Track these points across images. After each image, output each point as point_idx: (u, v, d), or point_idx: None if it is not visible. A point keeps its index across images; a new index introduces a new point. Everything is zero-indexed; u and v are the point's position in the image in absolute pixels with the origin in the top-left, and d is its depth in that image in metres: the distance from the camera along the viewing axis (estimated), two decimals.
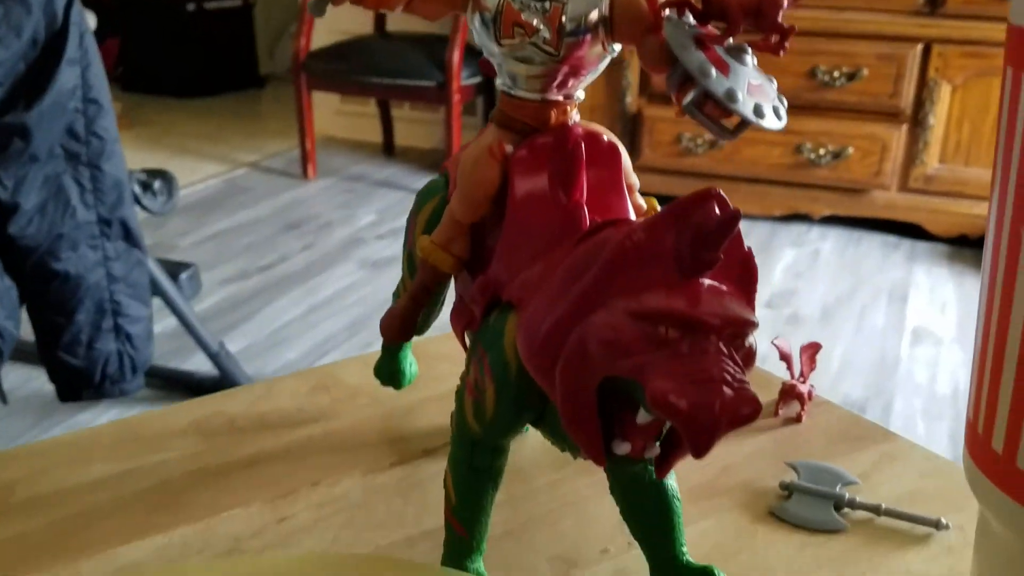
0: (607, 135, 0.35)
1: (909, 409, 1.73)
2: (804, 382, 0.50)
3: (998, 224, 0.27)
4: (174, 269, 2.07)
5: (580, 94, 0.35)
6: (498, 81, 0.35)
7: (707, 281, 0.28)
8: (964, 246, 2.46)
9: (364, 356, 0.54)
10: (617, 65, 2.59)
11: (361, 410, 0.50)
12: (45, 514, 0.41)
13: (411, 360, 0.47)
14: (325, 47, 2.95)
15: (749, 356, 0.28)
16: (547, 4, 0.32)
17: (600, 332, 0.27)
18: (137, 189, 2.08)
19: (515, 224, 0.34)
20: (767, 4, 0.29)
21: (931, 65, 2.38)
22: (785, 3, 0.30)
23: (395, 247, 2.45)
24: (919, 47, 2.37)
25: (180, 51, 4.08)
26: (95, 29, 1.49)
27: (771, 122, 0.29)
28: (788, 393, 0.50)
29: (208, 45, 4.12)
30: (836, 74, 2.44)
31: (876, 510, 0.41)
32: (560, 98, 0.34)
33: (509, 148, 0.35)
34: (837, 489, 0.42)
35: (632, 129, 2.66)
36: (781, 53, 0.29)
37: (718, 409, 0.25)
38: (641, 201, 0.36)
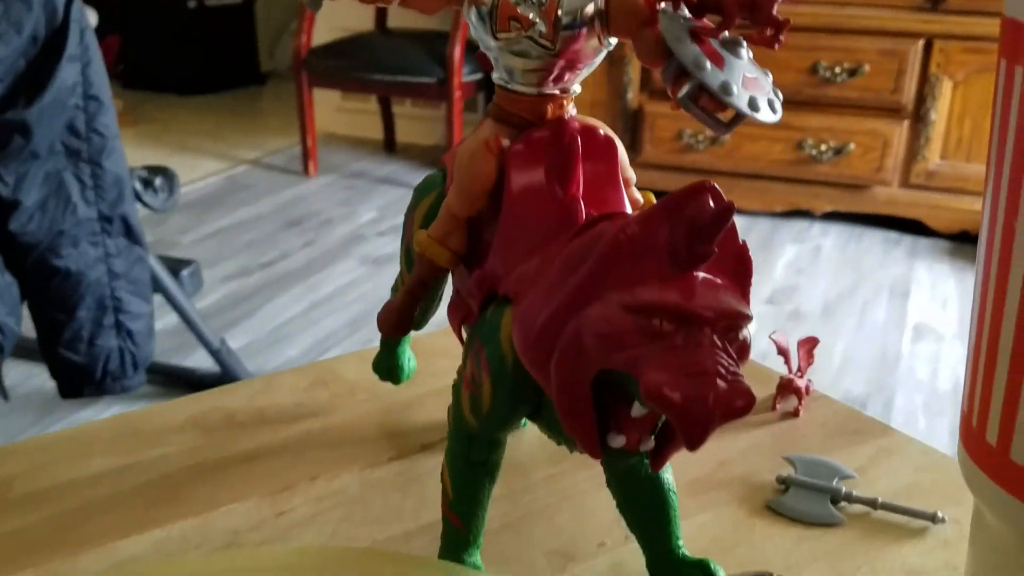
0: (603, 129, 0.35)
1: (910, 405, 1.73)
2: (802, 376, 0.50)
3: (992, 217, 0.27)
4: (175, 266, 2.07)
5: (576, 88, 0.35)
6: (495, 75, 0.35)
7: (701, 274, 0.28)
8: (965, 242, 2.45)
9: (362, 351, 0.54)
10: (618, 61, 2.58)
11: (359, 405, 0.50)
12: (44, 508, 0.42)
13: (409, 355, 0.47)
14: (326, 44, 2.95)
15: (743, 349, 0.28)
16: None
17: (595, 325, 0.28)
18: (138, 186, 2.08)
19: (512, 218, 0.34)
20: None
21: (933, 61, 2.37)
22: None
23: (396, 244, 2.45)
24: (921, 43, 2.37)
25: (181, 48, 4.07)
26: (96, 26, 1.49)
27: (766, 115, 0.29)
28: (785, 387, 0.50)
29: (209, 42, 4.12)
30: (837, 70, 2.44)
31: (873, 504, 0.41)
32: (556, 92, 0.35)
33: (506, 142, 0.35)
34: (834, 483, 0.42)
35: (633, 125, 2.66)
36: (776, 46, 0.29)
37: (712, 402, 0.25)
38: (638, 195, 0.36)
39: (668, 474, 0.36)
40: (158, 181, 2.16)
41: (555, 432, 0.34)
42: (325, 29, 3.23)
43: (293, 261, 2.38)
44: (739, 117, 0.29)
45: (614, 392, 0.29)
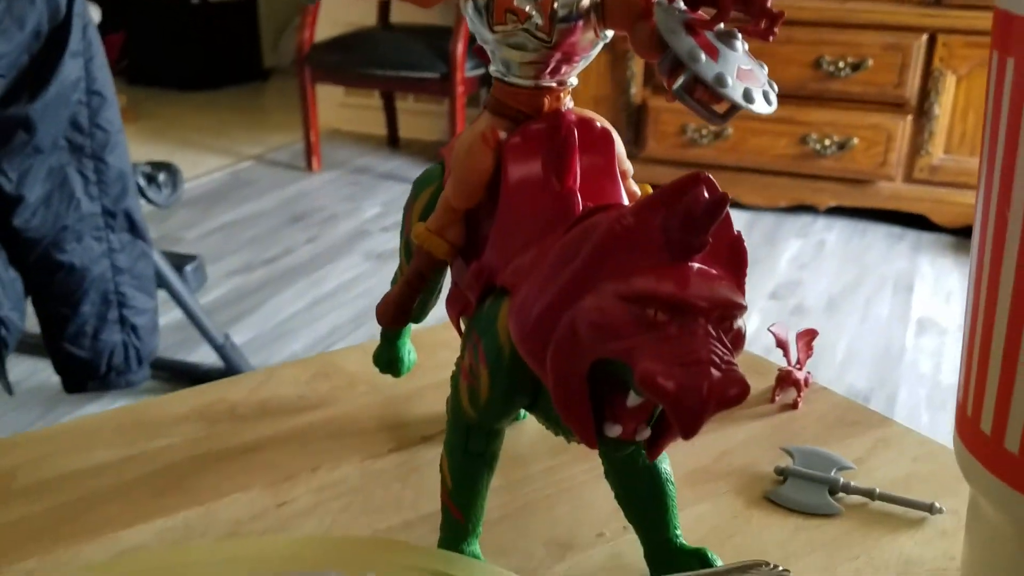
0: (600, 121, 0.35)
1: (913, 399, 1.73)
2: (801, 368, 0.50)
3: (984, 208, 0.27)
4: (179, 261, 2.08)
5: (573, 80, 0.35)
6: (492, 68, 0.35)
7: (696, 264, 0.28)
8: (969, 237, 2.45)
9: (363, 345, 0.54)
10: (621, 56, 2.58)
11: (360, 397, 0.51)
12: (48, 498, 0.42)
13: (410, 348, 0.48)
14: (329, 39, 2.95)
15: (738, 338, 0.28)
16: None
17: (590, 315, 0.28)
18: (142, 182, 2.09)
19: (509, 210, 0.35)
20: None
21: (936, 55, 2.37)
22: None
23: (399, 239, 2.45)
24: (924, 37, 2.36)
25: (184, 44, 4.08)
26: (99, 22, 1.49)
27: (761, 106, 0.29)
28: (785, 379, 0.50)
29: (212, 38, 4.13)
30: (841, 64, 2.43)
31: (870, 494, 0.41)
32: (553, 84, 0.35)
33: (503, 135, 0.35)
34: (832, 474, 0.43)
35: (637, 120, 2.66)
36: (770, 38, 0.30)
37: (706, 391, 0.26)
38: (635, 187, 0.36)
39: (665, 464, 0.36)
40: (162, 177, 2.16)
41: (552, 422, 0.34)
42: (328, 24, 3.23)
43: (297, 257, 2.38)
44: (734, 108, 0.29)
45: (610, 382, 0.29)
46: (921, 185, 2.48)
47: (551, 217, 0.33)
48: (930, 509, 0.41)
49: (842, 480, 0.42)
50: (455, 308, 0.38)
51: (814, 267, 2.30)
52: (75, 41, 1.21)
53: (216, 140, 3.41)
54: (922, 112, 2.42)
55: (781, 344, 0.51)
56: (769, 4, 0.29)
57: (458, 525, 0.36)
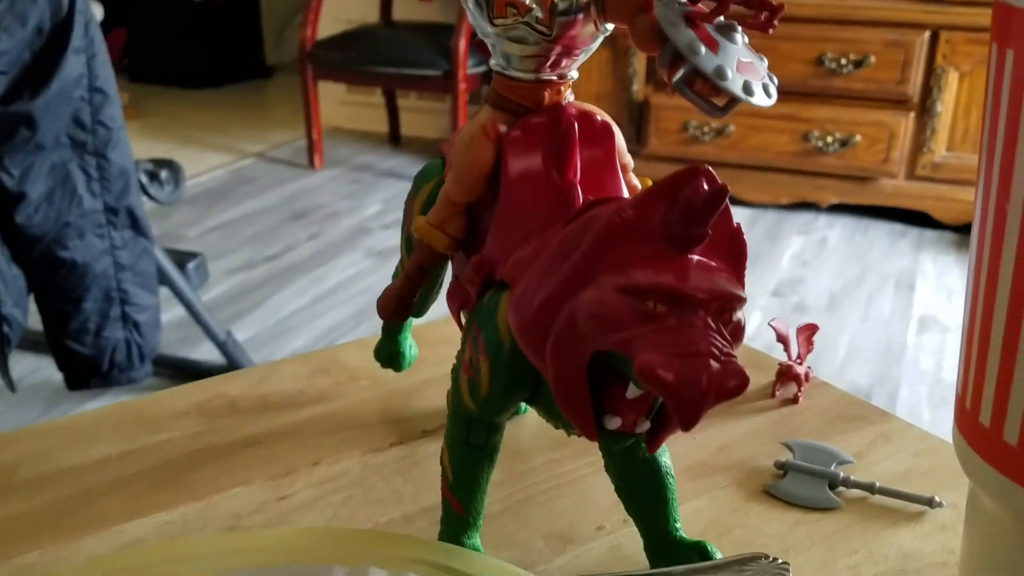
0: (600, 115, 0.35)
1: (915, 396, 1.73)
2: (801, 363, 0.50)
3: (984, 201, 0.27)
4: (181, 258, 2.08)
5: (574, 74, 0.35)
6: (492, 61, 0.35)
7: (695, 256, 0.28)
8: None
9: (364, 340, 0.54)
10: (623, 53, 2.58)
11: (361, 392, 0.51)
12: (49, 492, 0.42)
13: (411, 343, 0.48)
14: (331, 37, 2.95)
15: (737, 330, 0.28)
16: None
17: (590, 307, 0.28)
18: (144, 179, 2.09)
19: (509, 203, 0.35)
20: None
21: (938, 52, 2.36)
22: None
23: (400, 235, 2.45)
24: (926, 34, 2.36)
25: (187, 42, 4.08)
26: (102, 20, 1.50)
27: (760, 99, 0.29)
28: (785, 374, 0.50)
29: (214, 36, 4.13)
30: (843, 61, 2.43)
31: (870, 488, 0.42)
32: (554, 78, 0.35)
33: (503, 128, 0.35)
34: (832, 468, 0.43)
35: (639, 117, 2.66)
36: (770, 31, 0.30)
37: (705, 382, 0.26)
38: (635, 181, 0.36)
39: (665, 457, 0.36)
40: (164, 174, 2.16)
41: (552, 415, 0.34)
42: (330, 21, 3.23)
43: (298, 254, 2.39)
44: (734, 101, 0.29)
45: (610, 374, 0.29)
46: (923, 182, 2.48)
47: (551, 210, 0.33)
48: (930, 503, 0.41)
49: (842, 474, 0.42)
50: (456, 301, 0.39)
51: (816, 264, 2.30)
52: (77, 38, 1.21)
53: (218, 137, 3.42)
54: (924, 109, 2.42)
55: (781, 339, 0.51)
56: None
57: (459, 518, 0.36)
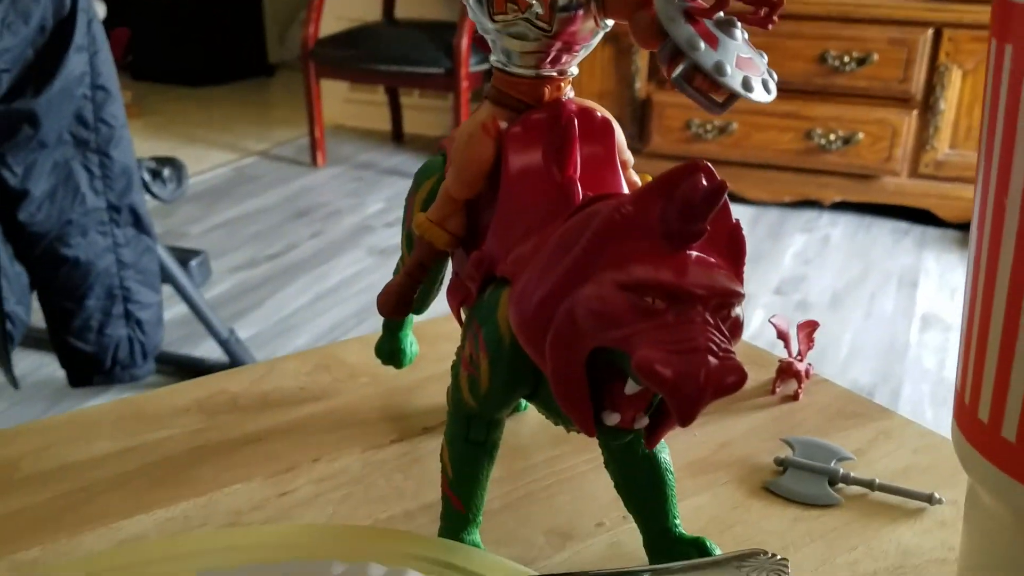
0: (600, 111, 0.35)
1: (917, 395, 1.73)
2: (802, 360, 0.50)
3: (983, 196, 0.27)
4: (184, 256, 2.08)
5: (574, 70, 0.35)
6: (492, 58, 0.35)
7: (694, 252, 0.28)
8: None
9: (365, 337, 0.54)
10: (626, 51, 2.58)
11: (361, 389, 0.51)
12: (50, 488, 0.42)
13: (412, 340, 0.48)
14: (333, 34, 2.95)
15: (736, 326, 0.28)
16: None
17: (589, 303, 0.28)
18: (147, 177, 2.10)
19: (509, 200, 0.35)
20: None
21: (942, 49, 2.36)
22: None
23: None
24: (930, 31, 2.36)
25: (189, 40, 4.08)
26: (105, 18, 1.50)
27: (760, 95, 0.29)
28: (785, 371, 0.50)
29: (217, 34, 4.13)
30: (846, 59, 2.43)
31: (870, 485, 0.41)
32: (554, 74, 0.35)
33: (503, 124, 0.35)
34: (832, 464, 0.43)
35: (642, 115, 2.65)
36: (769, 26, 0.30)
37: (703, 378, 0.26)
38: (635, 177, 0.36)
39: (665, 453, 0.36)
40: (166, 172, 2.17)
41: (552, 412, 0.34)
42: (333, 19, 3.23)
43: (301, 252, 2.39)
44: (733, 97, 0.29)
45: (609, 370, 0.29)
46: (926, 180, 2.47)
47: (551, 206, 0.33)
48: (929, 500, 0.41)
49: (842, 471, 0.42)
50: (456, 298, 0.39)
51: (819, 262, 2.30)
52: (80, 36, 1.22)
53: (221, 135, 3.42)
54: (928, 107, 2.41)
55: (782, 336, 0.51)
56: None
57: (458, 515, 0.36)
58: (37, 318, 1.43)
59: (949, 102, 2.39)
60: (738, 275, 0.29)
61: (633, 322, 0.27)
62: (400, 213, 2.83)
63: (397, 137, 3.39)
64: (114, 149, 1.30)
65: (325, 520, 0.40)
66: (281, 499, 0.42)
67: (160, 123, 3.56)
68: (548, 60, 0.34)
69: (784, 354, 0.52)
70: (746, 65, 0.30)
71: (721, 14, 0.30)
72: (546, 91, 0.35)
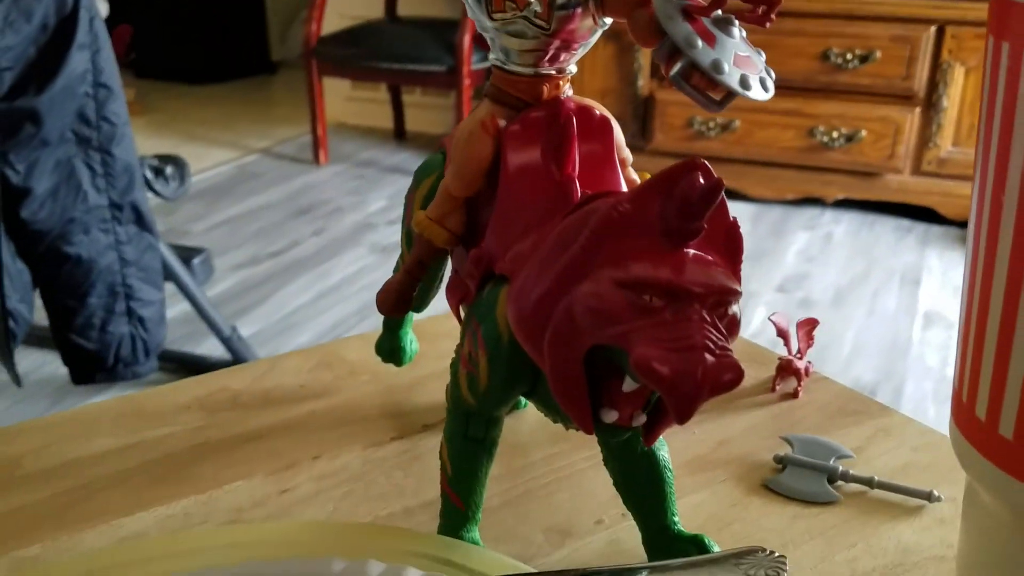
0: (599, 109, 0.35)
1: (920, 392, 1.73)
2: (801, 358, 0.50)
3: (980, 193, 0.27)
4: (186, 254, 2.09)
5: (573, 68, 0.35)
6: (491, 56, 0.35)
7: (692, 250, 0.28)
8: None
9: (365, 335, 0.54)
10: (628, 48, 2.58)
11: (362, 386, 0.51)
12: (51, 486, 0.42)
13: (412, 338, 0.48)
14: (336, 32, 2.95)
15: (733, 324, 0.28)
16: None
17: (587, 301, 0.28)
18: (149, 175, 2.10)
19: (508, 198, 0.35)
20: None
21: (945, 47, 2.36)
22: None
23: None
24: (932, 29, 2.35)
25: (192, 38, 4.09)
26: (107, 15, 1.50)
27: (757, 93, 0.29)
28: (785, 369, 0.50)
29: (219, 32, 4.13)
30: (849, 56, 2.43)
31: (869, 482, 0.42)
32: (553, 72, 0.35)
33: (502, 122, 0.35)
34: (831, 462, 0.43)
35: (644, 113, 2.65)
36: (767, 24, 0.30)
37: (700, 375, 0.26)
38: (634, 175, 0.36)
39: (664, 451, 0.36)
40: (169, 170, 2.17)
41: (551, 409, 0.34)
42: (335, 17, 3.23)
43: (303, 249, 2.39)
44: (731, 95, 0.29)
45: (607, 367, 0.29)
46: (929, 178, 2.47)
47: (550, 204, 0.33)
48: (928, 497, 0.41)
49: (841, 468, 0.42)
50: (455, 296, 0.39)
51: (821, 260, 2.30)
52: (82, 34, 1.22)
53: (223, 133, 3.42)
54: (930, 104, 2.41)
55: (781, 333, 0.51)
56: None
57: (457, 512, 0.37)
58: (40, 316, 1.43)
59: (952, 99, 2.38)
60: (735, 273, 0.29)
61: (631, 320, 0.27)
62: (401, 211, 2.85)
63: (399, 135, 3.39)
64: (116, 147, 1.30)
65: (326, 517, 0.40)
66: (282, 496, 0.42)
67: (162, 121, 3.57)
68: (547, 58, 0.34)
69: (784, 352, 0.52)
70: (744, 63, 0.30)
71: (719, 12, 0.30)
72: (545, 89, 0.35)
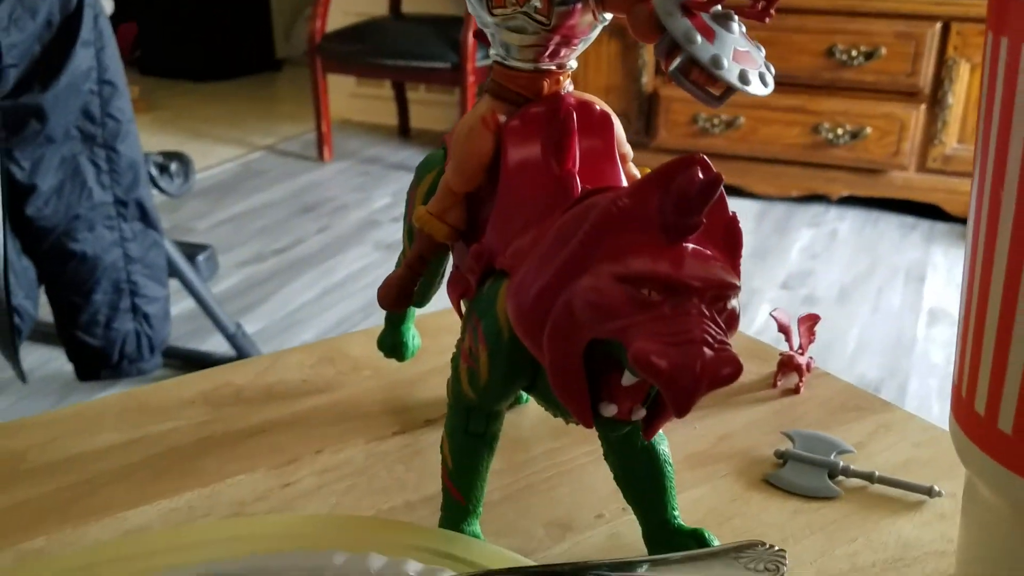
0: (599, 104, 0.35)
1: (924, 389, 1.73)
2: (803, 353, 0.50)
3: (979, 188, 0.27)
4: (191, 251, 2.09)
5: (573, 63, 0.35)
6: (491, 51, 0.35)
7: (691, 245, 0.28)
8: None
9: (368, 330, 0.54)
10: (632, 45, 2.57)
11: (364, 381, 0.51)
12: (55, 480, 0.43)
13: (414, 333, 0.48)
14: (340, 29, 2.95)
15: (732, 319, 0.28)
16: None
17: (586, 295, 0.28)
18: (154, 171, 2.10)
19: (508, 193, 0.35)
20: None
21: (950, 43, 2.35)
22: None
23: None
24: (938, 25, 2.35)
25: (196, 35, 4.09)
26: (112, 13, 1.50)
27: (757, 88, 0.29)
28: (787, 364, 0.50)
29: (224, 29, 4.14)
30: (854, 53, 2.42)
31: (870, 478, 0.42)
32: (553, 68, 0.35)
33: (502, 118, 0.35)
34: (832, 457, 0.43)
35: (648, 109, 2.65)
36: (766, 19, 0.30)
37: (699, 369, 0.26)
38: (634, 170, 0.36)
39: (664, 445, 0.36)
40: (173, 167, 2.17)
41: (551, 403, 0.34)
42: (339, 14, 3.23)
43: (308, 246, 2.39)
44: (730, 90, 0.29)
45: (606, 362, 0.29)
46: (934, 175, 2.47)
47: (550, 200, 0.33)
48: (929, 492, 0.41)
49: (842, 463, 0.42)
50: (456, 291, 0.39)
51: (826, 257, 2.30)
52: (86, 31, 1.22)
53: (228, 130, 3.43)
54: (935, 101, 2.41)
55: (783, 329, 0.51)
56: None
57: (458, 506, 0.37)
58: (45, 312, 1.43)
59: (957, 96, 2.38)
60: (734, 267, 0.29)
61: (630, 314, 0.27)
62: None
63: (404, 132, 3.39)
64: (121, 144, 1.30)
65: (328, 511, 0.41)
66: (284, 490, 0.42)
67: (167, 118, 3.57)
68: (547, 54, 0.34)
69: (786, 348, 0.52)
70: (743, 58, 0.30)
71: (718, 8, 0.30)
72: (545, 85, 0.35)
